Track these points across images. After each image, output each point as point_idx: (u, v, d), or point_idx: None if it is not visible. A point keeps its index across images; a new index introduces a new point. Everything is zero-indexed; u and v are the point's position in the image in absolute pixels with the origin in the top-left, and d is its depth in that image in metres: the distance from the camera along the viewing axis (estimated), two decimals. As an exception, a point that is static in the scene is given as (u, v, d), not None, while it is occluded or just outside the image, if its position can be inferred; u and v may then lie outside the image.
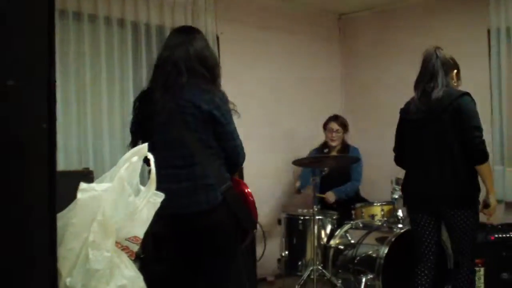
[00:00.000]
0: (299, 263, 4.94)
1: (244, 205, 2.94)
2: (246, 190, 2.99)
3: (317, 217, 4.84)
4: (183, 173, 2.85)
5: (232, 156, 2.93)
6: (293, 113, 6.11)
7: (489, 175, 3.58)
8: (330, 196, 5.31)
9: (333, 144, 5.56)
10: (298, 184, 5.57)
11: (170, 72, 2.85)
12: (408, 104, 3.89)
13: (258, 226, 3.28)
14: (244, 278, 3.10)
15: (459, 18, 5.81)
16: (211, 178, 2.83)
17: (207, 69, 2.90)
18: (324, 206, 5.27)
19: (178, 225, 2.89)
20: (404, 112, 3.96)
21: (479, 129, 3.49)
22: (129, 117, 4.39)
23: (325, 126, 5.67)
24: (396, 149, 3.99)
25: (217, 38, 5.43)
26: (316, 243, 4.78)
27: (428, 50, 3.87)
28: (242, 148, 2.95)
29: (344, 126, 5.66)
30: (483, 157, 3.48)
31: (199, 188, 2.83)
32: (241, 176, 4.59)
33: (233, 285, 2.99)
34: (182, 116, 2.81)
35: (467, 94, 3.62)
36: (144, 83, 4.87)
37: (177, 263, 3.06)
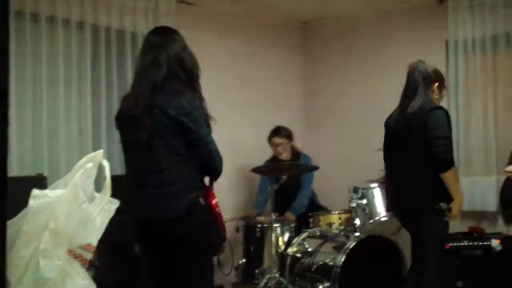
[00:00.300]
0: (256, 271, 4.93)
1: (210, 216, 2.90)
2: (213, 202, 2.92)
3: (274, 225, 4.84)
4: (151, 179, 2.81)
5: (207, 162, 2.89)
6: (254, 121, 6.10)
7: (453, 183, 3.62)
8: (290, 217, 5.27)
9: (282, 157, 5.52)
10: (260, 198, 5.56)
11: (149, 75, 2.82)
12: (389, 117, 4.02)
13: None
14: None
15: (419, 29, 5.92)
16: (177, 186, 2.80)
17: (185, 71, 2.87)
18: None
19: (145, 231, 2.89)
20: (385, 125, 4.07)
21: (442, 138, 3.56)
22: (87, 122, 4.34)
23: (269, 140, 5.60)
24: (384, 160, 4.12)
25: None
26: (273, 251, 4.78)
27: (411, 64, 4.00)
28: (217, 153, 2.89)
29: (288, 136, 5.59)
30: (445, 165, 3.57)
31: (165, 196, 2.80)
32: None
33: None
34: (150, 121, 2.76)
35: (440, 107, 3.70)
36: (103, 87, 4.83)
37: (148, 267, 3.08)
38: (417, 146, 3.65)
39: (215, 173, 2.97)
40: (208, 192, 2.94)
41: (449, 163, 3.57)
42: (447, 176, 3.56)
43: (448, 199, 3.59)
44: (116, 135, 3.06)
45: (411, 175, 3.70)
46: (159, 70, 2.82)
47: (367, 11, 6.29)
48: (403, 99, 3.85)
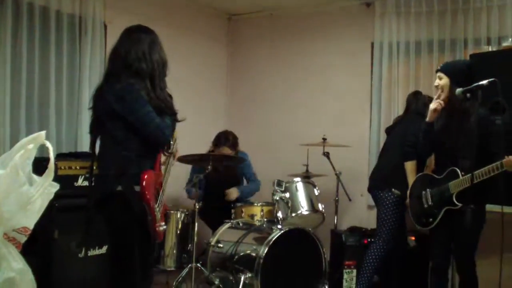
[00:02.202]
0: (180, 259, 4.88)
1: (138, 199, 2.92)
2: (143, 183, 2.93)
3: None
4: (97, 162, 3.07)
5: (152, 140, 3.01)
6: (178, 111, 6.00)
7: (408, 173, 4.22)
8: (233, 193, 5.29)
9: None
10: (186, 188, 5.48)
11: (109, 65, 3.10)
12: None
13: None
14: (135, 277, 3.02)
15: (346, 30, 6.08)
16: (108, 168, 2.94)
17: (141, 65, 3.00)
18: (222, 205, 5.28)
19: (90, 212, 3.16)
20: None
21: (413, 135, 4.20)
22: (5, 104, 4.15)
23: (215, 146, 5.49)
24: None
25: (105, 27, 5.24)
26: (196, 241, 4.72)
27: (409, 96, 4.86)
28: (159, 128, 2.96)
29: (235, 144, 5.54)
30: (404, 156, 4.27)
31: (100, 178, 3.02)
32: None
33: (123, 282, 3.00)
34: (97, 106, 3.06)
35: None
36: (24, 66, 4.61)
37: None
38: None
39: (161, 145, 3.14)
40: (143, 173, 2.97)
41: (406, 156, 4.26)
42: (406, 166, 4.23)
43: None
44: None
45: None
46: (118, 61, 3.02)
47: (295, 9, 6.36)
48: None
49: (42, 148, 2.55)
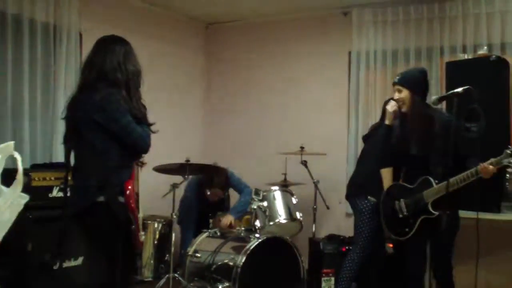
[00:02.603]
0: (158, 269, 4.83)
1: (122, 209, 2.93)
2: (127, 192, 2.95)
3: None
4: (76, 174, 3.04)
5: (135, 148, 3.04)
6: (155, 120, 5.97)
7: (384, 180, 4.15)
8: (228, 219, 5.11)
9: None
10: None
11: (82, 74, 3.07)
12: None
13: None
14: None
15: (324, 38, 6.09)
16: (88, 179, 2.92)
17: (117, 75, 3.00)
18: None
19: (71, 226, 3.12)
20: None
21: None
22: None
23: (208, 189, 5.36)
24: None
25: (80, 35, 5.20)
26: (173, 250, 4.69)
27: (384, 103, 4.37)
28: (141, 138, 2.99)
29: (227, 183, 5.43)
30: (379, 163, 4.23)
31: (80, 189, 2.99)
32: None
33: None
34: (72, 117, 3.04)
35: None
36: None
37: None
38: None
39: (142, 153, 3.14)
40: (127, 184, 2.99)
41: (381, 162, 4.19)
42: (382, 173, 4.19)
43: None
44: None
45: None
46: (93, 72, 3.01)
47: (273, 18, 6.37)
48: None
49: (14, 159, 2.50)
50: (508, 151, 3.32)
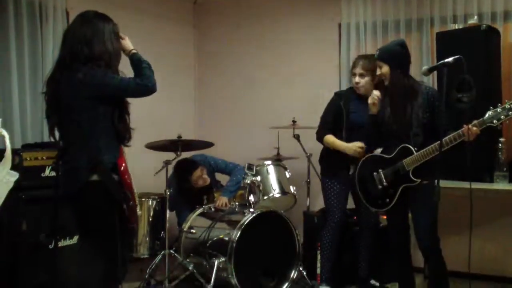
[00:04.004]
0: (153, 246, 4.85)
1: (117, 187, 2.94)
2: (121, 169, 2.97)
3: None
4: (64, 155, 2.99)
5: (141, 94, 3.06)
6: (144, 102, 5.94)
7: (332, 145, 4.37)
8: (222, 200, 5.02)
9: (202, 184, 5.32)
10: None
11: (65, 55, 2.98)
12: None
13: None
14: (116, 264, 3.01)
15: (313, 11, 6.05)
16: (78, 160, 2.90)
17: (91, 54, 2.95)
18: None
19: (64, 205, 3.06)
20: None
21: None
22: None
23: (191, 175, 5.24)
24: None
25: (67, 13, 5.13)
26: (168, 227, 4.70)
27: None
28: (140, 83, 3.00)
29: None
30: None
31: (70, 170, 2.94)
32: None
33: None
34: (60, 98, 2.97)
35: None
36: None
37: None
38: None
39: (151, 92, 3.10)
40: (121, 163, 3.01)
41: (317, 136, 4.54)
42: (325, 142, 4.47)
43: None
44: None
45: None
46: (68, 48, 2.98)
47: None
48: None
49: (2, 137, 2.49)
50: (491, 112, 3.36)
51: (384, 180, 3.79)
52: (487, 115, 3.38)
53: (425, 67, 3.58)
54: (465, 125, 3.41)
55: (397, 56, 3.76)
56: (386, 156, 3.79)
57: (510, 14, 4.95)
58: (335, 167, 4.44)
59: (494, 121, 3.35)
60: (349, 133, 4.31)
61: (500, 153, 4.35)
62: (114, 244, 2.95)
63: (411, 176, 3.63)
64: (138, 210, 3.09)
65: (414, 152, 3.61)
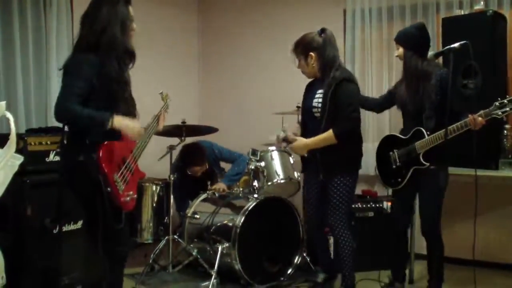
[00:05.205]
0: (157, 231, 4.86)
1: (95, 169, 2.86)
2: (99, 155, 2.87)
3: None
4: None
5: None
6: (150, 83, 5.91)
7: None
8: (220, 187, 5.08)
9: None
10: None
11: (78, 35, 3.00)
12: None
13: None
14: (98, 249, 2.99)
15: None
16: (70, 139, 2.92)
17: (93, 37, 2.91)
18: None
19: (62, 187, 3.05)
20: None
21: None
22: None
23: (188, 168, 5.24)
24: None
25: (71, 2, 5.10)
26: (172, 213, 4.71)
27: None
28: (57, 102, 2.83)
29: (203, 159, 5.27)
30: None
31: (65, 150, 2.97)
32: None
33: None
34: None
35: None
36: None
37: None
38: None
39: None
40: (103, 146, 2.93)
41: None
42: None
43: None
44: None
45: None
46: (83, 29, 2.98)
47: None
48: None
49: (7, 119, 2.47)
50: (497, 103, 3.42)
51: (398, 160, 3.95)
52: (493, 106, 3.44)
53: (431, 53, 3.63)
54: (470, 115, 3.49)
55: (413, 38, 3.87)
56: (402, 137, 3.93)
57: (517, -1, 4.91)
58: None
59: (499, 113, 3.43)
60: (303, 119, 4.30)
61: (505, 140, 4.32)
62: (95, 228, 2.92)
63: (421, 159, 3.76)
64: (130, 194, 3.01)
65: (426, 135, 3.72)
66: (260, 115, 6.21)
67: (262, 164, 4.77)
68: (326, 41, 3.98)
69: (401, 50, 3.90)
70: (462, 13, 5.03)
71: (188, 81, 6.70)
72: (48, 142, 4.13)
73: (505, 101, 3.40)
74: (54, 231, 3.98)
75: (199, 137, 5.40)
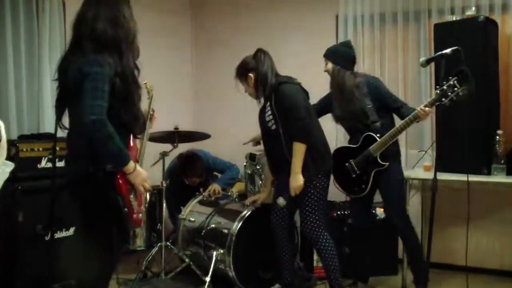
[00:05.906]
0: (150, 238, 4.84)
1: (112, 186, 2.74)
2: (118, 179, 2.75)
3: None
4: (67, 141, 2.88)
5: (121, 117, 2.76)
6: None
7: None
8: (216, 188, 5.04)
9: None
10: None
11: (73, 35, 2.83)
12: None
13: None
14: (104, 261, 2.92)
15: (310, 2, 6.01)
16: (79, 148, 2.74)
17: (99, 38, 2.77)
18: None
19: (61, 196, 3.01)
20: None
21: None
22: None
23: (184, 176, 5.23)
24: None
25: (63, 3, 5.09)
26: (164, 219, 4.69)
27: None
28: (86, 107, 2.57)
29: (202, 173, 5.25)
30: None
31: (71, 158, 2.85)
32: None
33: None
34: (62, 82, 2.83)
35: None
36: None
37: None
38: None
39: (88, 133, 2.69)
40: None
41: None
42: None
43: None
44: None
45: None
46: (81, 27, 2.81)
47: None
48: None
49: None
50: (438, 91, 3.52)
51: (356, 169, 4.12)
52: (435, 94, 3.57)
53: (422, 59, 3.65)
54: (417, 108, 3.74)
55: (339, 53, 4.20)
56: (353, 146, 4.13)
57: (508, 5, 4.92)
58: None
59: (443, 99, 3.50)
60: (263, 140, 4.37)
61: (497, 145, 4.34)
62: (109, 237, 2.83)
63: (379, 160, 3.98)
64: (141, 211, 2.92)
65: (377, 138, 3.94)
66: (254, 121, 6.19)
67: (259, 168, 4.73)
68: (258, 59, 4.19)
69: (329, 65, 4.21)
70: (454, 19, 5.06)
71: (182, 87, 6.69)
72: (40, 149, 4.12)
73: (444, 87, 3.46)
74: (46, 238, 3.97)
75: (192, 144, 5.39)
